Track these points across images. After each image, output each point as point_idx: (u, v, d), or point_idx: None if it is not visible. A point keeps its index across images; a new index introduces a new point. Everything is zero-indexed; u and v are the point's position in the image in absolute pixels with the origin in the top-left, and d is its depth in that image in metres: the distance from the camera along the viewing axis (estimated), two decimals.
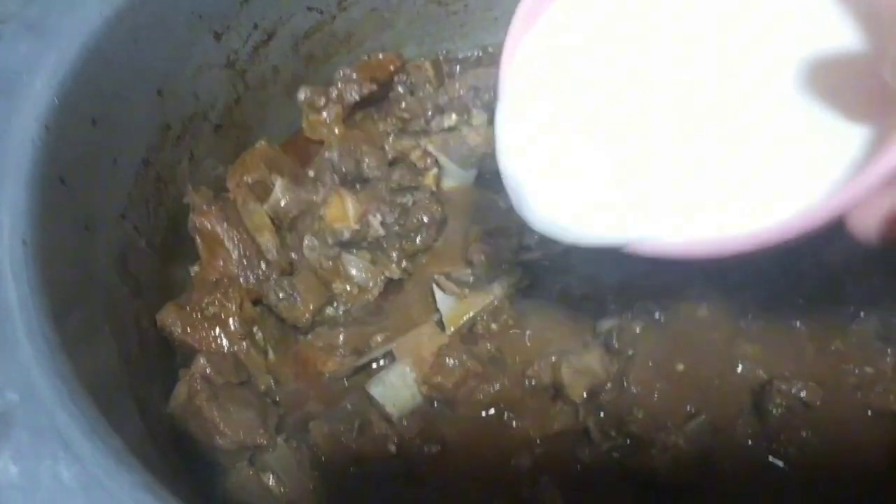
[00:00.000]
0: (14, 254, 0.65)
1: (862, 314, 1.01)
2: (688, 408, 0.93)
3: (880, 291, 0.99)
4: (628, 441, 0.91)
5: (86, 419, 0.56)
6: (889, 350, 0.98)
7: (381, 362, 1.03)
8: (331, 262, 1.08)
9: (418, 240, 1.11)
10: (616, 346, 0.98)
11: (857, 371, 0.96)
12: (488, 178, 1.19)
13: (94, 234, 0.84)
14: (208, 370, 0.91)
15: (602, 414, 0.94)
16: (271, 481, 0.90)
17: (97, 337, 0.78)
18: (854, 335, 0.99)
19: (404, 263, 1.11)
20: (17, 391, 0.55)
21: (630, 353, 0.97)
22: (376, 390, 0.98)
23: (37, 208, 0.71)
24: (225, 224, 1.04)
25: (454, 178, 1.21)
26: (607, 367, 0.96)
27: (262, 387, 0.98)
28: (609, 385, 0.95)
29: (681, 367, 0.97)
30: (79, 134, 0.83)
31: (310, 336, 1.06)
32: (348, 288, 1.08)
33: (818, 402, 0.91)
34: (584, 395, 0.94)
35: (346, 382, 1.03)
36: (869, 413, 0.95)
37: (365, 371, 1.03)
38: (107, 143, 0.89)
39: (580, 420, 0.93)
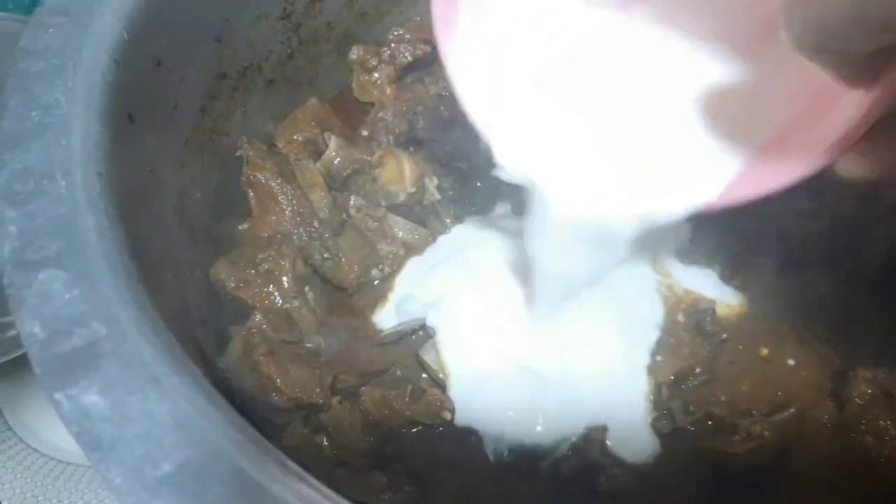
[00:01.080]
0: (90, 185, 0.62)
1: None
2: (776, 395, 0.93)
3: None
4: (710, 423, 0.90)
5: (171, 354, 0.53)
6: None
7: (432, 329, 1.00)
8: (377, 223, 1.05)
9: (473, 207, 1.08)
10: (709, 329, 0.96)
11: None
12: None
13: (157, 178, 0.82)
14: (265, 326, 0.89)
15: (686, 395, 0.93)
16: (325, 442, 0.87)
17: (164, 280, 0.75)
18: None
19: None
20: (103, 322, 0.52)
21: (724, 336, 0.96)
22: (429, 356, 0.95)
23: (108, 141, 0.68)
24: (279, 179, 1.01)
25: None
26: (698, 350, 0.96)
27: (314, 346, 0.96)
28: (699, 370, 0.93)
29: (765, 351, 0.96)
30: (145, 72, 0.80)
31: (356, 297, 1.03)
32: (394, 249, 1.05)
33: None
34: (672, 377, 0.93)
35: (395, 346, 1.00)
36: None
37: (414, 336, 1.00)
38: (169, 86, 0.87)
39: (663, 400, 0.91)
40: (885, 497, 0.88)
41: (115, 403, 0.49)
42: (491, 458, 0.88)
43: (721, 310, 1.00)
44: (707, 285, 1.04)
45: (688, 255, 1.07)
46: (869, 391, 0.91)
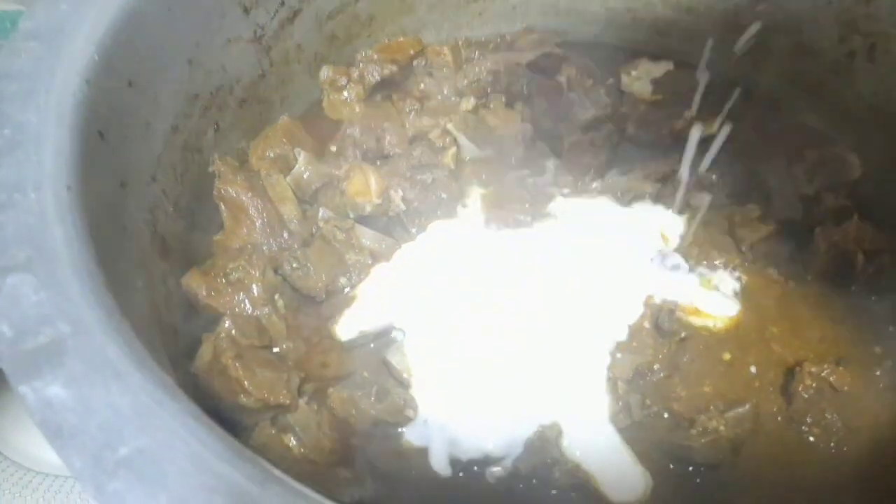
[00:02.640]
0: (59, 197, 0.66)
1: (874, 297, 1.05)
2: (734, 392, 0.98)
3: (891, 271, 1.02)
4: (666, 417, 0.94)
5: (134, 353, 0.57)
6: None
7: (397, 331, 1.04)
8: (344, 234, 1.09)
9: (439, 215, 1.13)
10: (667, 326, 1.01)
11: (876, 349, 0.99)
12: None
13: (128, 192, 0.86)
14: (234, 332, 0.92)
15: (645, 390, 0.98)
16: (292, 441, 0.91)
17: (134, 289, 0.79)
18: (865, 315, 1.03)
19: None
20: (68, 323, 0.57)
21: (682, 335, 1.01)
22: (394, 358, 1.00)
23: (78, 157, 0.72)
24: (249, 193, 1.06)
25: (470, 155, 1.23)
26: (659, 349, 1.00)
27: (282, 351, 0.99)
28: (657, 366, 0.98)
29: (727, 356, 1.02)
30: (116, 92, 0.85)
31: (325, 304, 1.07)
32: (361, 259, 1.09)
33: (846, 388, 0.93)
34: (631, 373, 0.97)
35: (361, 350, 1.04)
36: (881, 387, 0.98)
37: (380, 340, 1.05)
38: (141, 106, 0.91)
39: (620, 394, 0.96)
40: (833, 488, 0.93)
41: (77, 395, 0.53)
42: (440, 472, 0.92)
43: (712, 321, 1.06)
44: (696, 297, 1.08)
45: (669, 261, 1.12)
46: (814, 385, 0.96)
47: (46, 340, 0.55)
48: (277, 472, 0.53)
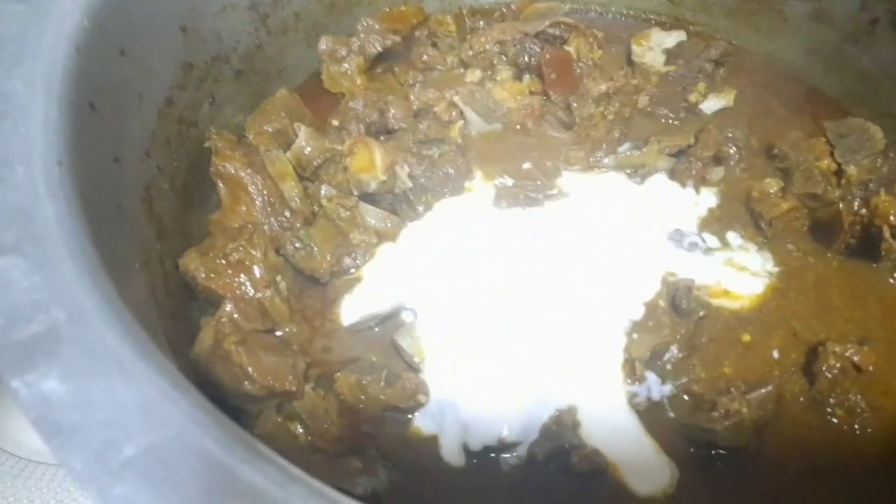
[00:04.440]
0: (50, 173, 0.61)
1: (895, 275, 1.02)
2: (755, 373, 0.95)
3: None
4: (687, 398, 0.91)
5: (136, 340, 0.53)
6: None
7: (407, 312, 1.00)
8: (348, 212, 1.05)
9: (446, 192, 1.08)
10: (685, 306, 0.97)
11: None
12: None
13: (122, 168, 0.81)
14: (235, 315, 0.88)
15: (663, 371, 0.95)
16: (299, 429, 0.87)
17: (131, 270, 0.74)
18: (889, 292, 1.00)
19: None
20: (63, 309, 0.52)
21: (701, 314, 0.97)
22: (405, 341, 0.95)
23: (69, 129, 0.68)
24: (249, 169, 1.01)
25: (477, 130, 1.18)
26: (677, 329, 0.96)
27: (285, 335, 0.95)
28: (675, 346, 0.95)
29: (746, 337, 0.98)
30: (107, 61, 0.79)
31: (329, 285, 1.03)
32: (366, 238, 1.04)
33: (870, 368, 0.90)
34: (648, 354, 0.93)
35: (367, 333, 1.00)
36: None
37: (387, 323, 1.00)
38: (134, 76, 0.86)
39: (637, 375, 0.92)
40: (858, 472, 0.90)
41: (76, 389, 0.48)
42: (452, 462, 0.88)
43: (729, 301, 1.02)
44: (717, 276, 1.05)
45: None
46: (838, 365, 0.93)
47: (40, 329, 0.50)
48: (296, 471, 0.49)
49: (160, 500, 0.43)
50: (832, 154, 1.10)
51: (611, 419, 0.91)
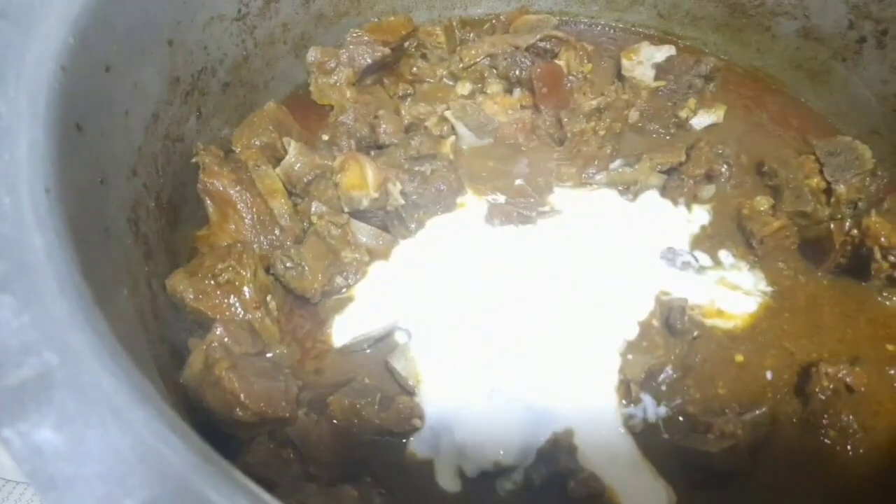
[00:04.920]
0: (37, 201, 0.59)
1: (885, 293, 1.02)
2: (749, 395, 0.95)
3: None
4: (682, 420, 0.90)
5: (131, 382, 0.51)
6: None
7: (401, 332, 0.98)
8: (339, 230, 1.03)
9: (438, 209, 1.07)
10: (679, 326, 0.96)
11: (889, 347, 0.96)
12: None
13: (109, 189, 0.78)
14: (226, 339, 0.85)
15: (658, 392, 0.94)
16: (291, 455, 0.85)
17: (120, 297, 0.71)
18: (878, 311, 1.01)
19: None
20: (55, 351, 0.49)
21: (695, 334, 0.96)
22: (399, 364, 0.94)
23: (55, 153, 0.65)
24: (238, 186, 0.98)
25: (468, 145, 1.17)
26: (671, 349, 0.96)
27: (275, 357, 0.93)
28: (670, 367, 0.94)
29: (740, 358, 0.98)
30: (93, 79, 0.76)
31: (320, 305, 1.01)
32: (358, 256, 1.03)
33: (863, 388, 0.91)
34: (643, 375, 0.93)
35: (359, 355, 0.98)
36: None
37: (379, 344, 0.99)
38: (120, 93, 0.83)
39: (633, 397, 0.91)
40: (852, 493, 0.90)
41: (70, 439, 0.46)
42: (447, 488, 0.87)
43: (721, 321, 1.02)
44: (710, 295, 1.04)
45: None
46: (831, 386, 0.93)
47: (31, 374, 0.48)
48: None
49: None
50: (821, 172, 1.10)
51: (607, 442, 0.91)
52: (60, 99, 0.69)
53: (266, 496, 0.47)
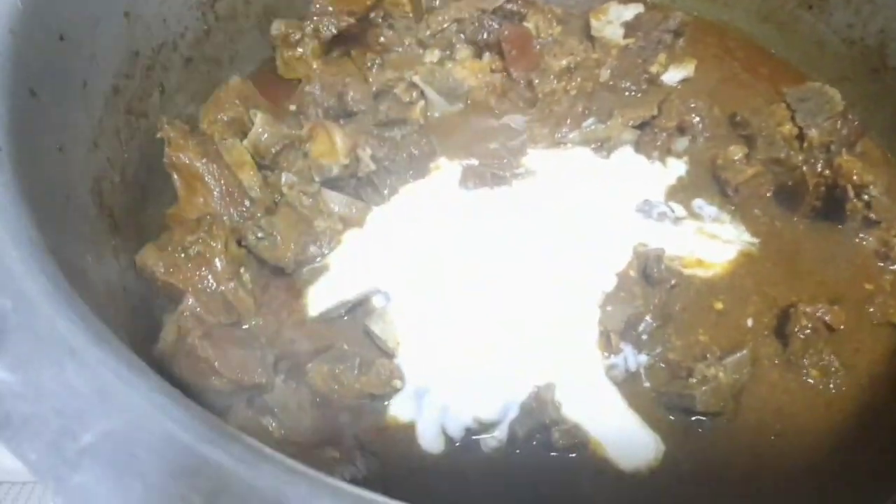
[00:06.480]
0: None
1: (861, 234, 1.02)
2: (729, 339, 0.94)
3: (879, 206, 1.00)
4: (664, 366, 0.90)
5: (88, 325, 0.49)
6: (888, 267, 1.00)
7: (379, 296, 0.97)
8: (311, 199, 1.01)
9: (411, 174, 1.06)
10: (656, 275, 0.96)
11: (867, 286, 0.96)
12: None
13: (68, 158, 0.76)
14: (198, 309, 0.84)
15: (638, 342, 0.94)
16: (271, 423, 0.83)
17: (84, 263, 0.70)
18: (855, 252, 1.01)
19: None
20: (8, 296, 0.48)
21: (672, 282, 0.96)
22: (377, 327, 0.93)
23: (7, 116, 0.64)
24: (204, 158, 0.97)
25: (440, 110, 1.16)
26: (649, 299, 0.95)
27: (252, 328, 0.92)
28: (649, 317, 0.93)
29: (719, 305, 0.98)
30: (46, 46, 0.75)
31: (295, 275, 0.99)
32: (331, 225, 1.01)
33: (841, 326, 0.90)
34: (622, 325, 0.92)
35: (337, 322, 0.97)
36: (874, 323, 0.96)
37: (356, 310, 0.97)
38: (76, 62, 0.81)
39: (613, 347, 0.91)
40: (835, 430, 0.90)
41: (26, 379, 0.45)
42: (430, 450, 0.86)
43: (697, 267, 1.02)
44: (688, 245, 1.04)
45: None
46: (810, 325, 0.93)
47: None
48: (268, 451, 0.46)
49: (122, 487, 0.40)
50: (793, 119, 1.10)
51: (590, 394, 0.90)
52: (11, 63, 0.68)
53: (222, 422, 0.46)
